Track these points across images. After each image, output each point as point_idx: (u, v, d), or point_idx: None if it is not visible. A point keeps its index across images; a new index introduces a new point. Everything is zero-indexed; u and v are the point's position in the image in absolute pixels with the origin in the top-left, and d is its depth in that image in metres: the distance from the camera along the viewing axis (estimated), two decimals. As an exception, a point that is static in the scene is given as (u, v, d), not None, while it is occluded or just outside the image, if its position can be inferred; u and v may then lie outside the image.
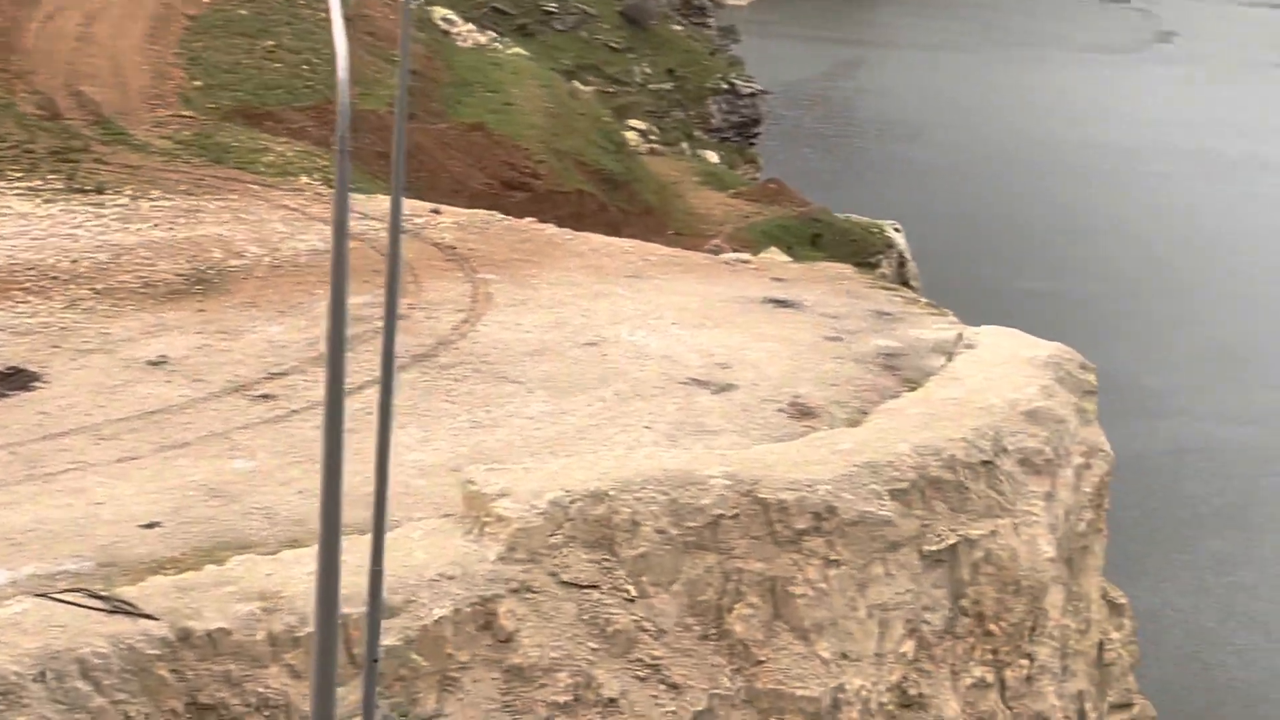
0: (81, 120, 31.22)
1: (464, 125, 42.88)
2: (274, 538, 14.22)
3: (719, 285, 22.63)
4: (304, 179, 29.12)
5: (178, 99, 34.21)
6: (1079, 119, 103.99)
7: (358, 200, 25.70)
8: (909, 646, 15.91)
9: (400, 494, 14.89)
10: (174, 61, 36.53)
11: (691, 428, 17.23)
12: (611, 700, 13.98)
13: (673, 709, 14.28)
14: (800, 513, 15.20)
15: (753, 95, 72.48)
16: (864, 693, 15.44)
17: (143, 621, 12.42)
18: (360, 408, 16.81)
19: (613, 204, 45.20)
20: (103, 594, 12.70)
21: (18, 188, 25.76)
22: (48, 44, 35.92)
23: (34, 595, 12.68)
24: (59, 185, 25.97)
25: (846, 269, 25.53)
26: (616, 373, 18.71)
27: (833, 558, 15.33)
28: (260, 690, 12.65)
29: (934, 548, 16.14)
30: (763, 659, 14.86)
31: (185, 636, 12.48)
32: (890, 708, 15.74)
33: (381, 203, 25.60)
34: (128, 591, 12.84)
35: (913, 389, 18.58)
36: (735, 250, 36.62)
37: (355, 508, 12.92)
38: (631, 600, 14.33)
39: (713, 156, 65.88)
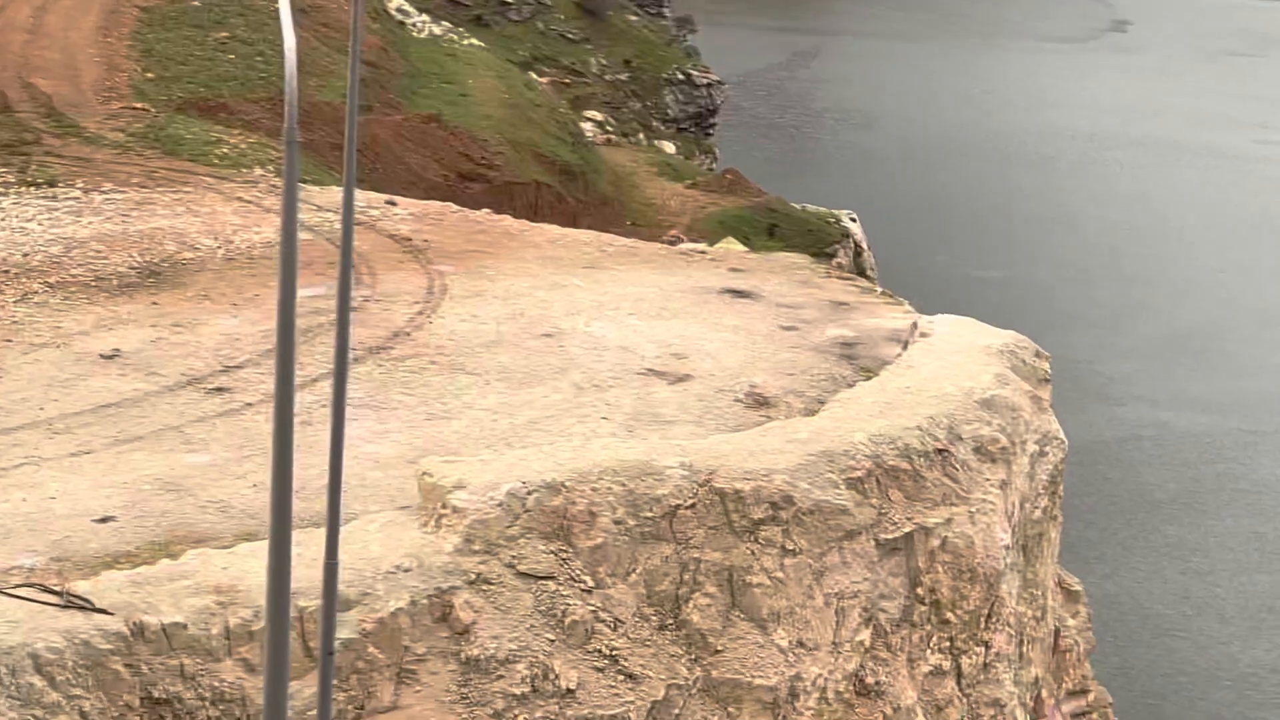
0: (33, 113, 31.01)
1: (420, 117, 42.78)
2: (229, 531, 14.18)
3: (676, 276, 22.65)
4: (258, 170, 29.00)
5: (130, 91, 34.01)
6: (1035, 107, 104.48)
7: (311, 192, 25.60)
8: (866, 635, 15.97)
9: (356, 486, 14.86)
10: (126, 53, 36.31)
11: (648, 418, 17.25)
12: (569, 691, 14.00)
13: (631, 699, 14.30)
14: (757, 502, 15.23)
15: (709, 85, 72.55)
16: (821, 681, 15.50)
17: (97, 616, 12.36)
18: (315, 400, 16.82)
19: (569, 195, 45.21)
20: (56, 589, 12.63)
21: (-31, 181, 25.58)
22: (-2, 36, 35.66)
23: (-13, 591, 12.60)
24: (10, 179, 25.79)
25: (803, 259, 25.57)
26: (573, 364, 18.71)
27: (789, 547, 15.37)
28: (215, 684, 12.61)
29: (890, 536, 16.20)
30: (720, 649, 14.89)
31: (140, 631, 12.42)
32: (847, 696, 15.80)
33: (335, 194, 25.50)
34: (82, 586, 12.78)
35: (869, 378, 18.64)
36: (692, 241, 36.67)
37: (310, 500, 12.91)
38: (589, 591, 14.34)
39: (669, 147, 65.94)
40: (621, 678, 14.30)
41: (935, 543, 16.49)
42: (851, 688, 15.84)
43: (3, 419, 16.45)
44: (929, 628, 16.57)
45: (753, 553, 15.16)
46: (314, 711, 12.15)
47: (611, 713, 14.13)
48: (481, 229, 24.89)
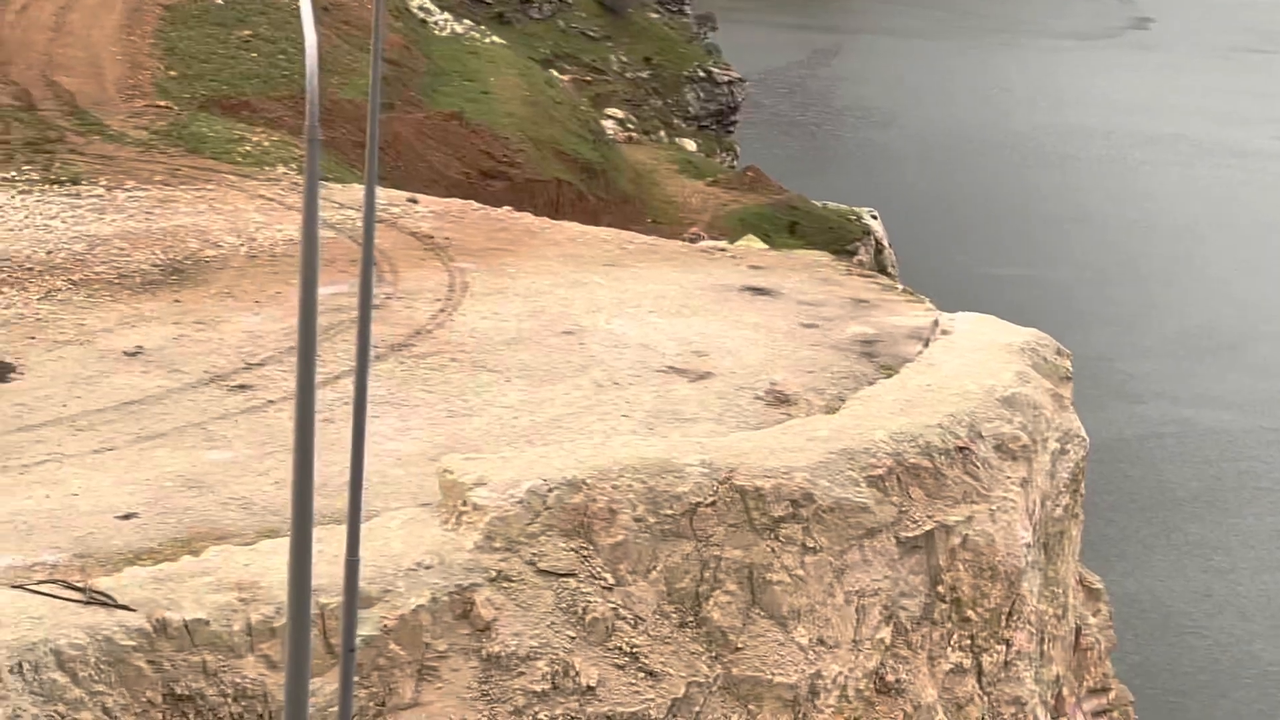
0: (56, 111, 31.12)
1: (441, 114, 42.84)
2: (251, 528, 14.22)
3: (696, 273, 22.66)
4: (280, 168, 29.07)
5: (153, 89, 34.12)
6: (1055, 105, 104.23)
7: (334, 190, 25.67)
8: (886, 633, 15.96)
9: (377, 483, 14.90)
10: (149, 51, 36.44)
11: (669, 416, 17.25)
12: (589, 688, 14.02)
13: (651, 696, 14.32)
14: (777, 500, 15.23)
15: (730, 83, 72.49)
16: (841, 679, 15.49)
17: (119, 612, 12.41)
18: (337, 398, 16.86)
19: (590, 193, 45.23)
20: (79, 585, 12.69)
21: (-8, 179, 25.69)
22: (22, 34, 35.80)
23: (10, 587, 12.67)
24: (34, 176, 25.89)
25: (824, 256, 25.56)
26: (594, 361, 18.73)
27: (810, 545, 15.37)
28: (237, 680, 12.65)
29: (911, 534, 16.19)
30: (740, 646, 14.90)
31: (162, 627, 12.47)
32: (868, 694, 15.79)
33: (357, 192, 25.57)
34: (104, 582, 12.83)
35: (889, 376, 18.63)
36: (713, 238, 36.65)
37: (332, 497, 12.95)
38: (609, 588, 14.36)
39: (690, 145, 65.89)
40: (642, 675, 14.32)
41: (956, 541, 16.47)
42: (872, 686, 15.84)
43: (26, 416, 16.52)
44: (950, 626, 16.55)
45: (773, 550, 15.17)
46: (335, 708, 12.18)
47: (632, 710, 14.15)
48: (502, 227, 24.92)
